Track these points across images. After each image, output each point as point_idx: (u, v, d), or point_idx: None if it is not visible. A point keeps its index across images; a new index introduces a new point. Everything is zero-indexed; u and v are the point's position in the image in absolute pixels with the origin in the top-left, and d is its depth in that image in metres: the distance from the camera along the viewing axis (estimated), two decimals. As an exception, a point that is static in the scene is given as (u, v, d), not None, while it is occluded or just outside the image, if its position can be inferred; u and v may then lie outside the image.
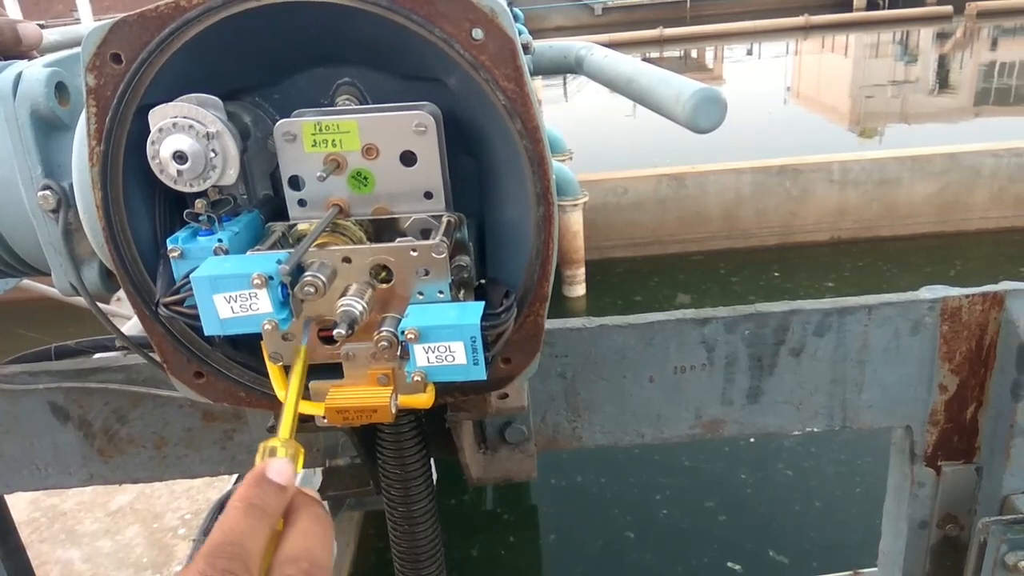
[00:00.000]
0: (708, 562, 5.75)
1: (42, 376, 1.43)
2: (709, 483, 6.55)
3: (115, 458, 1.49)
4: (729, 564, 5.61)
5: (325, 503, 0.69)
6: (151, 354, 1.02)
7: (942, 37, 28.63)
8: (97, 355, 1.59)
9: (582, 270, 10.12)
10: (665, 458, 6.83)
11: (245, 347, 0.92)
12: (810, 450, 6.70)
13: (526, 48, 1.24)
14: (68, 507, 3.90)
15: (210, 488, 3.91)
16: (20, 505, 3.87)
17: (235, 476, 3.47)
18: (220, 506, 3.66)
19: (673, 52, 30.23)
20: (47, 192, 0.98)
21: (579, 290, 10.18)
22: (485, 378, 0.79)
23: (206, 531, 3.49)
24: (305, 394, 0.87)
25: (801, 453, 6.68)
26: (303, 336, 0.80)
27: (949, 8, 30.48)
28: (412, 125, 0.82)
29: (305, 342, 0.80)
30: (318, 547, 0.63)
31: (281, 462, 0.68)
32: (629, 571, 5.80)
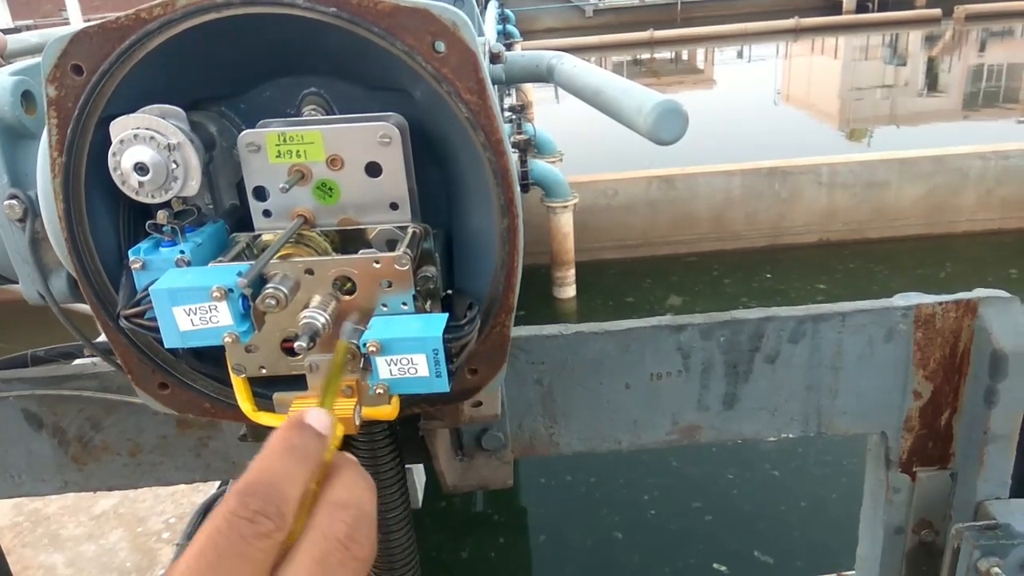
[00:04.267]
0: (695, 563, 5.76)
1: (15, 383, 1.42)
2: (696, 484, 6.57)
3: (89, 465, 1.48)
4: (715, 565, 5.62)
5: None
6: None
7: (931, 40, 28.78)
8: (75, 362, 1.58)
9: (572, 271, 10.13)
10: (652, 459, 6.84)
11: (210, 358, 0.91)
12: (796, 451, 6.72)
13: (497, 58, 1.24)
14: (51, 511, 3.88)
15: (195, 492, 3.89)
16: (3, 509, 3.85)
17: (218, 482, 3.46)
18: (205, 510, 3.64)
19: (664, 54, 30.30)
20: (13, 201, 0.97)
21: (569, 292, 10.19)
22: (448, 390, 0.79)
23: (190, 535, 3.47)
24: (268, 405, 0.87)
25: (787, 454, 6.70)
26: (344, 334, 0.80)
27: (938, 11, 30.64)
28: (377, 136, 0.81)
29: (346, 339, 0.79)
30: (366, 499, 0.57)
31: (320, 411, 0.60)
32: (617, 572, 5.80)
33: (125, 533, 3.72)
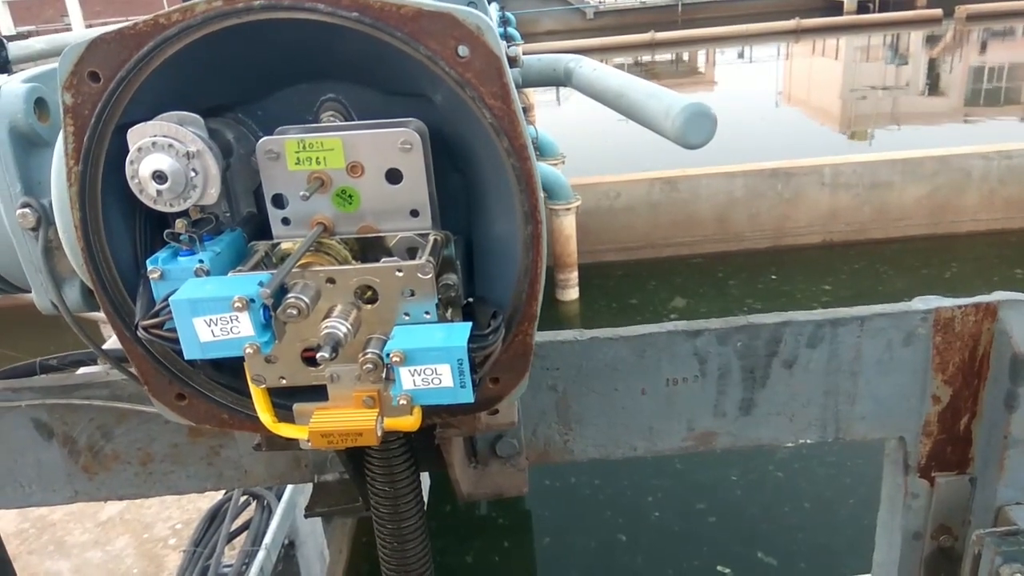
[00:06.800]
0: (699, 564, 5.74)
1: (25, 392, 1.40)
2: (700, 486, 6.54)
3: (100, 475, 1.47)
4: (719, 567, 5.60)
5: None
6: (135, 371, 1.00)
7: (932, 40, 28.76)
8: (82, 369, 1.57)
9: (575, 274, 10.10)
10: (656, 460, 6.82)
11: (228, 369, 0.90)
12: (801, 452, 6.70)
13: (514, 61, 1.23)
14: (57, 517, 3.86)
15: (202, 498, 3.87)
16: (8, 516, 3.83)
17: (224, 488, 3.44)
18: (211, 516, 3.63)
19: (665, 56, 30.29)
20: (26, 210, 0.96)
21: (572, 294, 10.17)
22: (472, 401, 0.77)
23: (196, 541, 3.46)
24: (288, 416, 0.86)
25: (791, 455, 6.67)
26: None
27: (939, 11, 30.62)
28: (398, 142, 0.80)
29: None
30: None
31: None
32: (621, 574, 5.78)
33: (131, 539, 3.71)
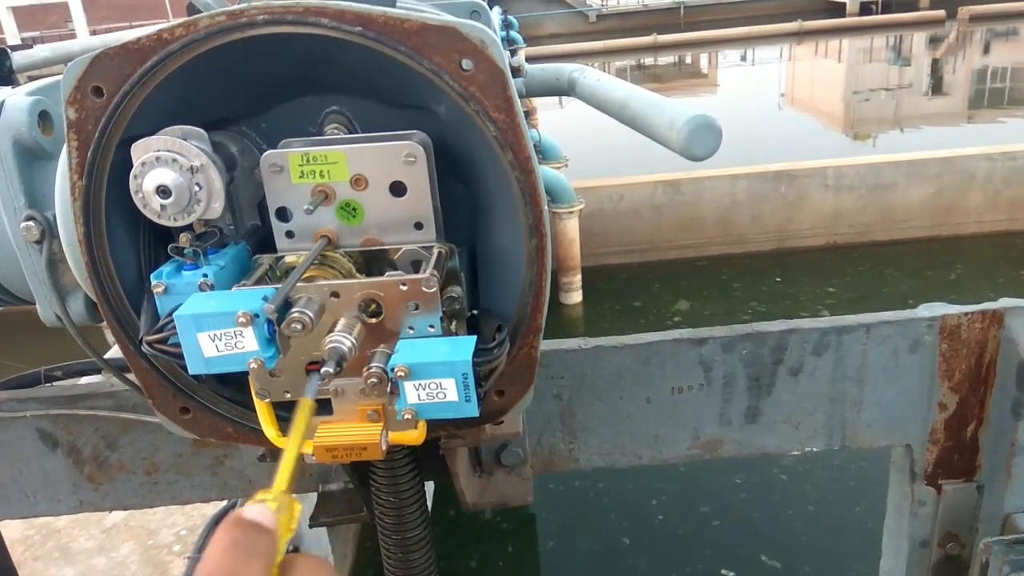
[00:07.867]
0: (702, 568, 5.73)
1: (30, 403, 1.41)
2: (703, 489, 6.53)
3: (105, 485, 1.47)
4: (723, 571, 5.58)
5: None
6: (138, 384, 1.00)
7: (935, 41, 28.72)
8: (86, 379, 1.57)
9: (578, 277, 10.09)
10: (661, 464, 6.79)
11: (232, 382, 0.90)
12: (806, 456, 6.68)
13: (517, 71, 1.23)
14: (62, 524, 3.86)
15: (206, 504, 3.87)
16: (14, 523, 3.84)
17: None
18: (216, 522, 3.62)
19: (667, 58, 30.30)
20: (30, 223, 0.96)
21: (575, 297, 10.16)
22: (477, 415, 0.77)
23: (201, 547, 3.45)
24: (293, 431, 0.85)
25: (797, 459, 6.65)
26: (308, 390, 0.71)
27: (942, 12, 30.59)
28: (402, 155, 0.80)
29: (311, 395, 0.70)
30: None
31: (257, 507, 0.57)
32: (625, 578, 5.77)
33: (136, 546, 3.71)
